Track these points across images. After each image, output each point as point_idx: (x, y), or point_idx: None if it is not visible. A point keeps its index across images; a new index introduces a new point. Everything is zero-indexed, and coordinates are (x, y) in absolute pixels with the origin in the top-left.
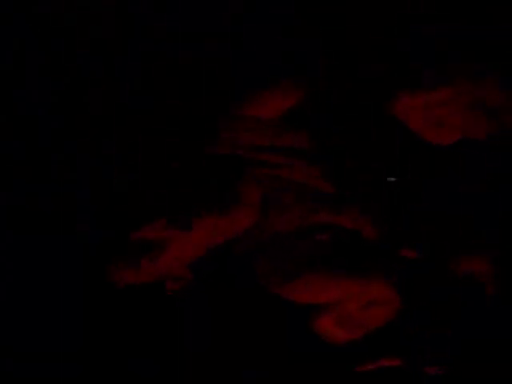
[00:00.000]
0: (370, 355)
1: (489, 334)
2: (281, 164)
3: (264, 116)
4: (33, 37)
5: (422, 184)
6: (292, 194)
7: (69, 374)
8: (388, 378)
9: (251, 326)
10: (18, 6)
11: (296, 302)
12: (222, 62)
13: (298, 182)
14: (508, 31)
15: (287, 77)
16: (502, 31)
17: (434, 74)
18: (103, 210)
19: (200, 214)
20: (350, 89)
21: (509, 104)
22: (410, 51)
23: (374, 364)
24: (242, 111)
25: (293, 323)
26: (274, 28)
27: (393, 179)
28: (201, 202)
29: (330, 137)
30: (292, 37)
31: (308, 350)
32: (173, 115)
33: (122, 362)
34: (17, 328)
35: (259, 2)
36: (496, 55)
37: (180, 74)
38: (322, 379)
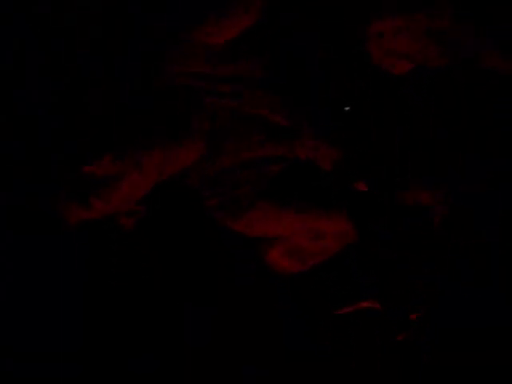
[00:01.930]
0: (349, 299)
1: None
2: (231, 93)
3: (214, 42)
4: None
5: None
6: (243, 124)
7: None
8: (369, 322)
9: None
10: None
11: (248, 235)
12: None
13: (249, 113)
14: None
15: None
16: None
17: (390, 1)
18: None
19: (149, 144)
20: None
21: (461, 33)
22: None
23: (352, 307)
24: (190, 37)
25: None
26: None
27: (348, 108)
28: (150, 131)
29: (285, 67)
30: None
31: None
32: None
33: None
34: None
35: None
36: None
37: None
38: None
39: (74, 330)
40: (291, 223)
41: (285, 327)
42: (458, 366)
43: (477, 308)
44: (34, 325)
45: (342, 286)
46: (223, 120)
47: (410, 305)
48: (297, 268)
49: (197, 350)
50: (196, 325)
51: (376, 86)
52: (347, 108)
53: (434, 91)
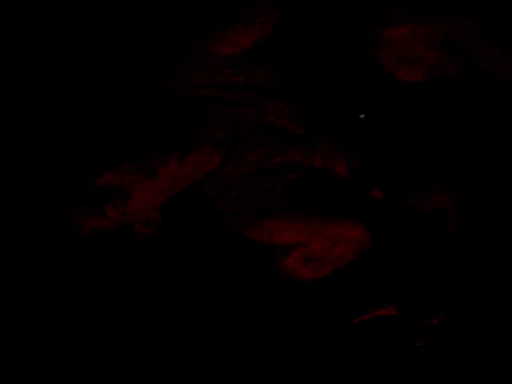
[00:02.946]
0: (366, 306)
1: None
2: (247, 102)
3: (228, 52)
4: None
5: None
6: (259, 132)
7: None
8: (386, 329)
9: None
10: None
11: (264, 243)
12: None
13: (265, 121)
14: None
15: (249, 11)
16: None
17: (402, 8)
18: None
19: (164, 157)
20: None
21: (478, 43)
22: None
23: (370, 314)
24: (203, 48)
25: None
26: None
27: (363, 116)
28: (164, 144)
29: (298, 75)
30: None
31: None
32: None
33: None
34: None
35: None
36: None
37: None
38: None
39: (73, 329)
40: (308, 231)
41: (294, 333)
42: (462, 367)
43: (482, 310)
44: (34, 325)
45: (356, 292)
46: (238, 128)
47: (425, 310)
48: (313, 274)
49: (200, 354)
50: (199, 329)
51: (385, 91)
52: (362, 116)
53: (443, 95)
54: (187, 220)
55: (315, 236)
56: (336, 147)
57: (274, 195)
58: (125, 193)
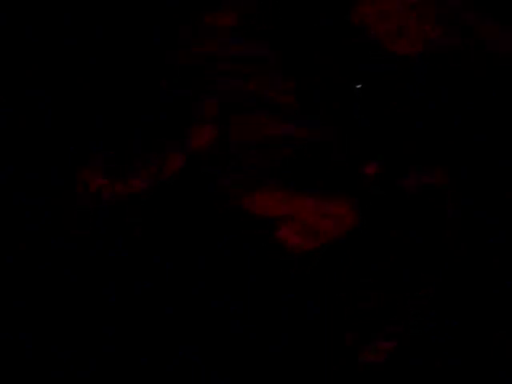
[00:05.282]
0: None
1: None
2: (241, 74)
3: (221, 24)
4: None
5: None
6: (253, 105)
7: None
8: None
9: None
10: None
11: (256, 214)
12: None
13: (259, 93)
14: None
15: None
16: None
17: None
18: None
19: (163, 135)
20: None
21: (468, 15)
22: None
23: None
24: (197, 20)
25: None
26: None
27: (359, 86)
28: (163, 121)
29: (293, 47)
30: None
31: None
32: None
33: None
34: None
35: None
36: None
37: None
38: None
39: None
40: (302, 203)
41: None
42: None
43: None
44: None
45: (347, 268)
46: (234, 101)
47: (413, 294)
48: (308, 246)
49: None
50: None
51: (379, 66)
52: (358, 86)
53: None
54: (181, 196)
55: (310, 208)
56: (327, 119)
57: (269, 168)
58: (129, 166)
